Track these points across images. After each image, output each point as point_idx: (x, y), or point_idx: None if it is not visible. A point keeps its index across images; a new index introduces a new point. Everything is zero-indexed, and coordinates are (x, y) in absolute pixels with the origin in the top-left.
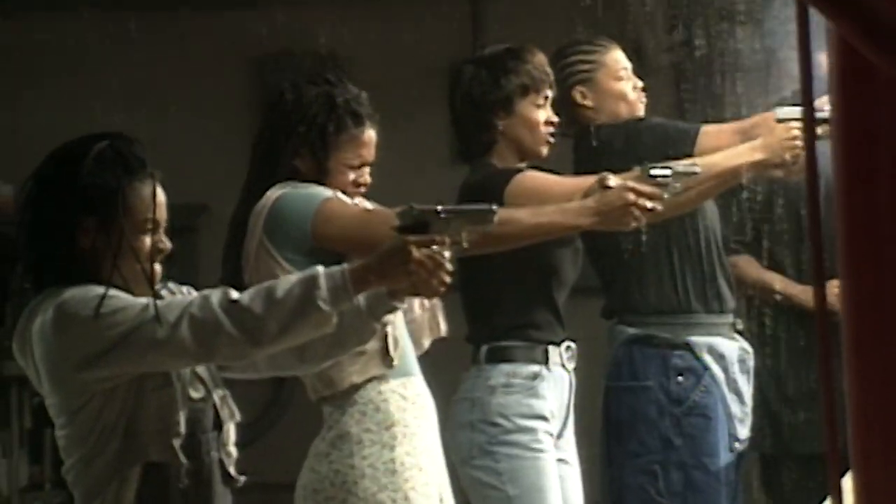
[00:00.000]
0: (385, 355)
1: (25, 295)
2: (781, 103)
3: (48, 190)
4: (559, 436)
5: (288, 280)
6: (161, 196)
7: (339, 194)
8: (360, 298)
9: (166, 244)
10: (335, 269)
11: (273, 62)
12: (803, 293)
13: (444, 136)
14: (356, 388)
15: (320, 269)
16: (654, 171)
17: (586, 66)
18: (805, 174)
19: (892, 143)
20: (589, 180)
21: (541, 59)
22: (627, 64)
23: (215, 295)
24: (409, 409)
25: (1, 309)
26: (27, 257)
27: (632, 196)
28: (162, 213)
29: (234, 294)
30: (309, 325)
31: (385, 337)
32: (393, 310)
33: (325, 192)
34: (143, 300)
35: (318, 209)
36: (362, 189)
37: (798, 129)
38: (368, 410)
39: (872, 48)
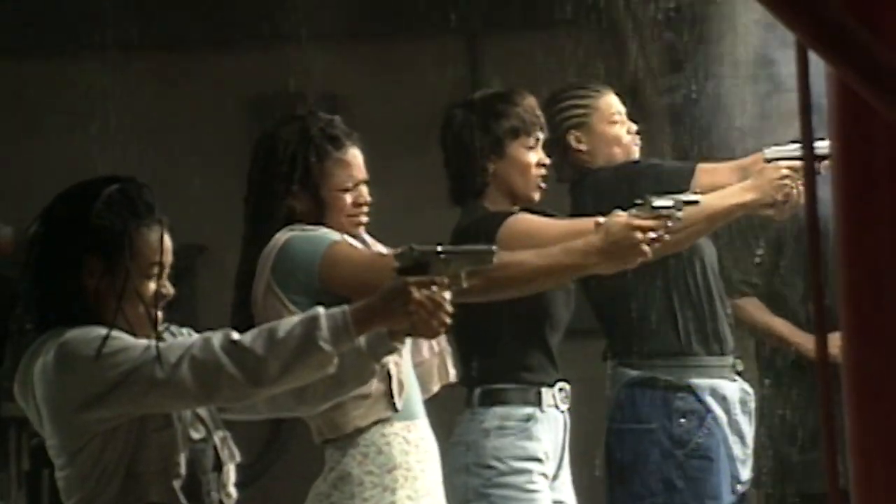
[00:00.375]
0: (389, 399)
1: (25, 335)
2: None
3: (56, 230)
4: (555, 477)
5: (289, 321)
6: (168, 242)
7: (347, 237)
8: (361, 339)
9: (169, 289)
10: (336, 309)
11: (271, 104)
12: (807, 342)
13: (441, 177)
14: (360, 430)
15: (321, 309)
16: (656, 203)
17: (580, 111)
18: (806, 217)
19: (892, 184)
20: (582, 222)
21: (531, 102)
22: (621, 108)
23: (217, 336)
24: (411, 453)
25: (0, 349)
26: (31, 296)
27: (638, 234)
28: (168, 259)
29: (236, 335)
30: (310, 366)
31: (389, 380)
32: (393, 350)
33: (333, 235)
34: (145, 341)
35: (326, 253)
36: (364, 209)
37: (788, 169)
38: (371, 452)
39: (871, 91)
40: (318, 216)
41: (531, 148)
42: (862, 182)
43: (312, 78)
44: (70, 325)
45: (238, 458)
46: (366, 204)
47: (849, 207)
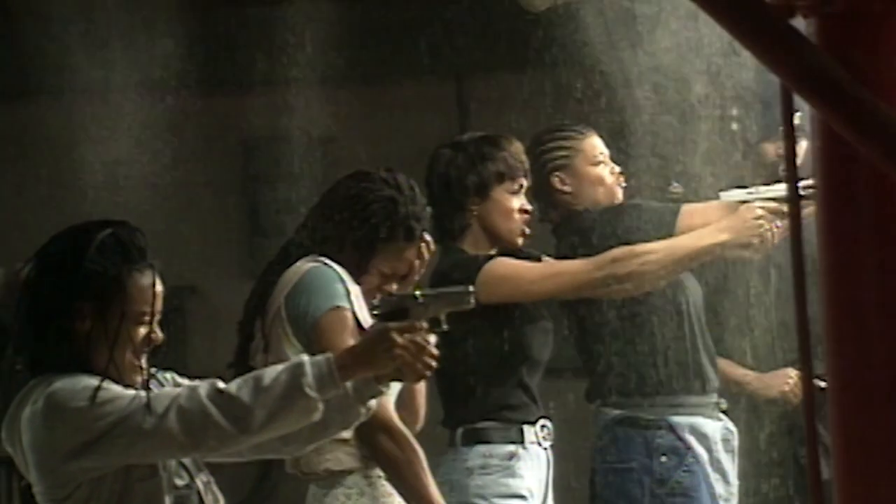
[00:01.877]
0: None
1: (15, 378)
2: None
3: (49, 275)
4: None
5: (274, 369)
6: (159, 287)
7: (357, 298)
8: (347, 383)
9: (159, 335)
10: (320, 357)
11: (262, 145)
12: (756, 381)
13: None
14: (343, 472)
15: (305, 357)
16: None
17: (564, 153)
18: (792, 256)
19: (877, 227)
20: (561, 263)
21: (517, 147)
22: (604, 149)
23: (203, 386)
24: (395, 494)
25: None
26: (22, 339)
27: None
28: (158, 305)
29: (222, 384)
30: (296, 412)
31: None
32: (379, 394)
33: (341, 298)
34: (133, 392)
35: (325, 315)
36: (413, 277)
37: (763, 210)
38: (353, 494)
39: (856, 135)
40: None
41: (515, 193)
42: (845, 221)
43: (303, 120)
44: (60, 371)
45: (222, 501)
46: (416, 271)
47: (833, 246)
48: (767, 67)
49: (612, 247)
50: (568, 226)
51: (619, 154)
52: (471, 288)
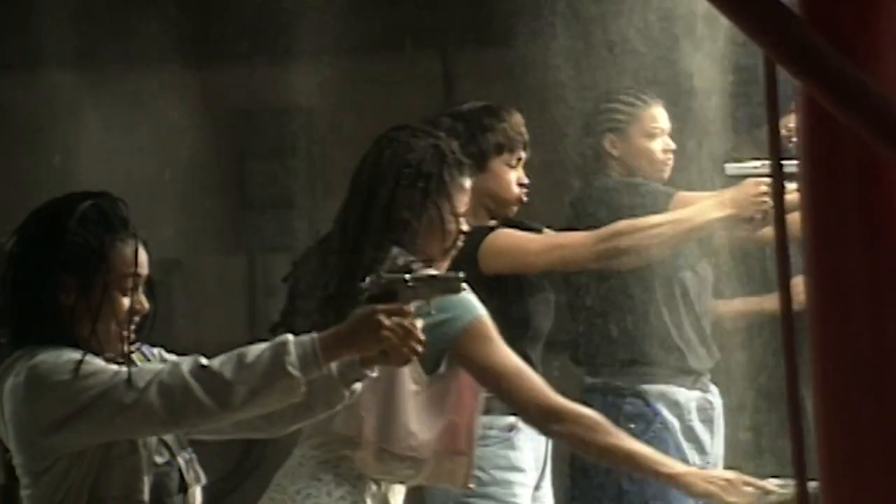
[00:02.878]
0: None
1: (1, 349)
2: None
3: (31, 248)
4: (536, 487)
5: (259, 347)
6: (143, 256)
7: None
8: (333, 365)
9: (144, 305)
10: (305, 337)
11: (246, 118)
12: (767, 302)
13: None
14: None
15: (290, 336)
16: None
17: (622, 117)
18: (775, 232)
19: (859, 198)
20: (563, 235)
21: (517, 119)
22: (665, 123)
23: (186, 361)
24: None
25: None
26: (6, 313)
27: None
28: (143, 272)
29: (205, 360)
30: (278, 391)
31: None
32: (363, 377)
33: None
34: (115, 367)
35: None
36: (462, 238)
37: (767, 185)
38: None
39: (839, 106)
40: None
41: (513, 166)
42: (830, 194)
43: (290, 93)
44: (43, 343)
45: (203, 479)
46: (466, 234)
47: (816, 222)
48: (751, 38)
49: (605, 224)
50: (589, 199)
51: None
52: (461, 274)
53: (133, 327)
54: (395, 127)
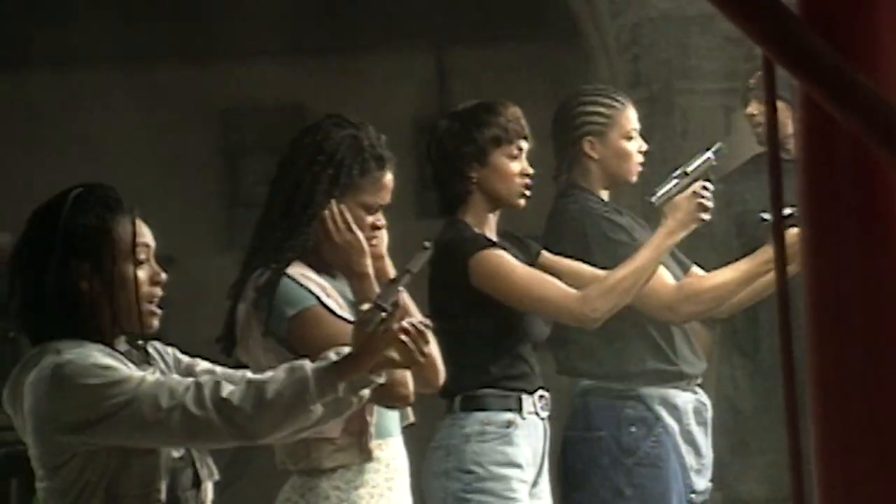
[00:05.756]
0: (364, 447)
1: (6, 345)
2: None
3: (34, 241)
4: (534, 483)
5: (277, 379)
6: (146, 229)
7: (326, 299)
8: None
9: (161, 275)
10: (324, 366)
11: (239, 116)
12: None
13: (409, 191)
14: (336, 467)
15: (308, 367)
16: (687, 170)
17: (601, 119)
18: (773, 231)
19: (856, 199)
20: (547, 286)
21: (514, 111)
22: (637, 124)
23: (208, 388)
24: (381, 471)
25: None
26: (22, 310)
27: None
28: (149, 240)
29: (226, 390)
30: (300, 422)
31: (366, 429)
32: (372, 384)
33: (310, 298)
34: (140, 375)
35: (298, 315)
36: (378, 233)
37: (697, 190)
38: (342, 485)
39: (836, 107)
40: None
41: (514, 157)
42: (827, 194)
43: (282, 90)
44: (66, 336)
45: (216, 475)
46: (382, 228)
47: (813, 221)
48: (749, 37)
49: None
50: (558, 218)
51: None
52: (427, 244)
53: (157, 299)
54: (328, 115)
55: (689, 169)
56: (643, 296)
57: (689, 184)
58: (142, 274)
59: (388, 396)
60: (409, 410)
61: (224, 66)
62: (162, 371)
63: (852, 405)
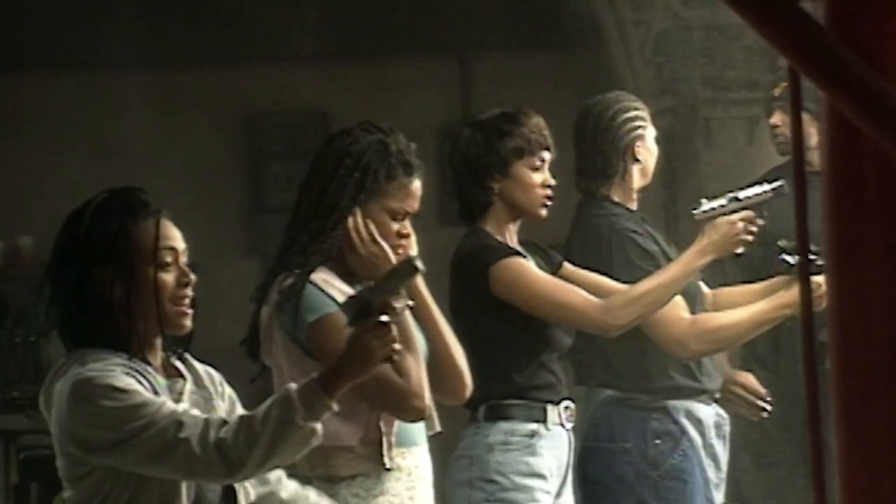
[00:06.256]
0: (379, 456)
1: (14, 349)
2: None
3: (61, 249)
4: (558, 494)
5: (262, 409)
6: (170, 229)
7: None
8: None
9: (190, 276)
10: (306, 383)
11: (263, 121)
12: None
13: (431, 198)
14: (355, 475)
15: (292, 387)
16: (740, 195)
17: (643, 123)
18: (797, 242)
19: (882, 211)
20: (570, 294)
21: (538, 122)
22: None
23: (213, 427)
24: (402, 480)
25: None
26: (56, 317)
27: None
28: (175, 244)
29: (224, 431)
30: (293, 445)
31: (381, 437)
32: (329, 409)
33: (331, 305)
34: (158, 401)
35: (317, 321)
36: (405, 241)
37: (740, 219)
38: (361, 493)
39: (862, 117)
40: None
41: (537, 168)
42: (852, 204)
43: (306, 96)
44: (93, 345)
45: (252, 496)
46: (408, 237)
47: (838, 230)
48: (775, 48)
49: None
50: (584, 230)
51: None
52: (412, 254)
53: (186, 301)
54: (359, 122)
55: (742, 195)
56: (656, 324)
57: (737, 210)
58: (167, 277)
59: (403, 409)
60: (435, 419)
61: (248, 71)
62: (196, 385)
63: (877, 418)
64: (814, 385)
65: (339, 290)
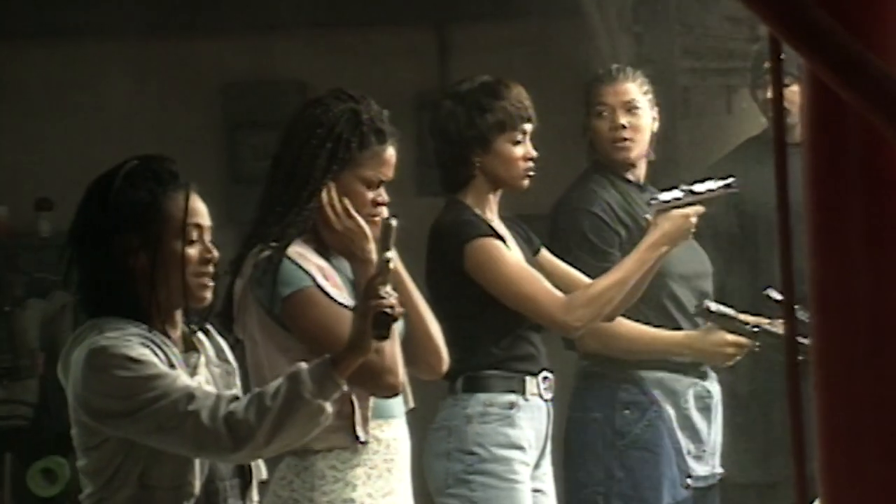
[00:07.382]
0: (352, 430)
1: (16, 318)
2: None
3: (86, 215)
4: (536, 465)
5: (275, 384)
6: (198, 203)
7: (323, 281)
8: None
9: (213, 253)
10: (318, 361)
11: (239, 90)
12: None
13: (410, 168)
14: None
15: (303, 365)
16: (695, 189)
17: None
18: (778, 218)
19: (864, 179)
20: (537, 287)
21: (518, 92)
22: None
23: (224, 402)
24: (380, 452)
25: None
26: (76, 284)
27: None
28: (202, 220)
29: (234, 405)
30: (301, 421)
31: (353, 411)
32: (339, 388)
33: (305, 279)
34: (172, 373)
35: (292, 295)
36: (381, 210)
37: (692, 210)
38: (337, 465)
39: (844, 85)
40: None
41: (518, 142)
42: (833, 172)
43: (283, 65)
44: (113, 313)
45: (264, 474)
46: (384, 204)
47: (819, 199)
48: (755, 15)
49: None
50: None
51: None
52: (390, 219)
53: (207, 276)
54: (330, 90)
55: (697, 189)
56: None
57: (691, 203)
58: (192, 251)
59: (377, 385)
60: (409, 395)
61: (225, 40)
62: (219, 358)
63: (856, 388)
64: (794, 359)
65: (315, 263)
